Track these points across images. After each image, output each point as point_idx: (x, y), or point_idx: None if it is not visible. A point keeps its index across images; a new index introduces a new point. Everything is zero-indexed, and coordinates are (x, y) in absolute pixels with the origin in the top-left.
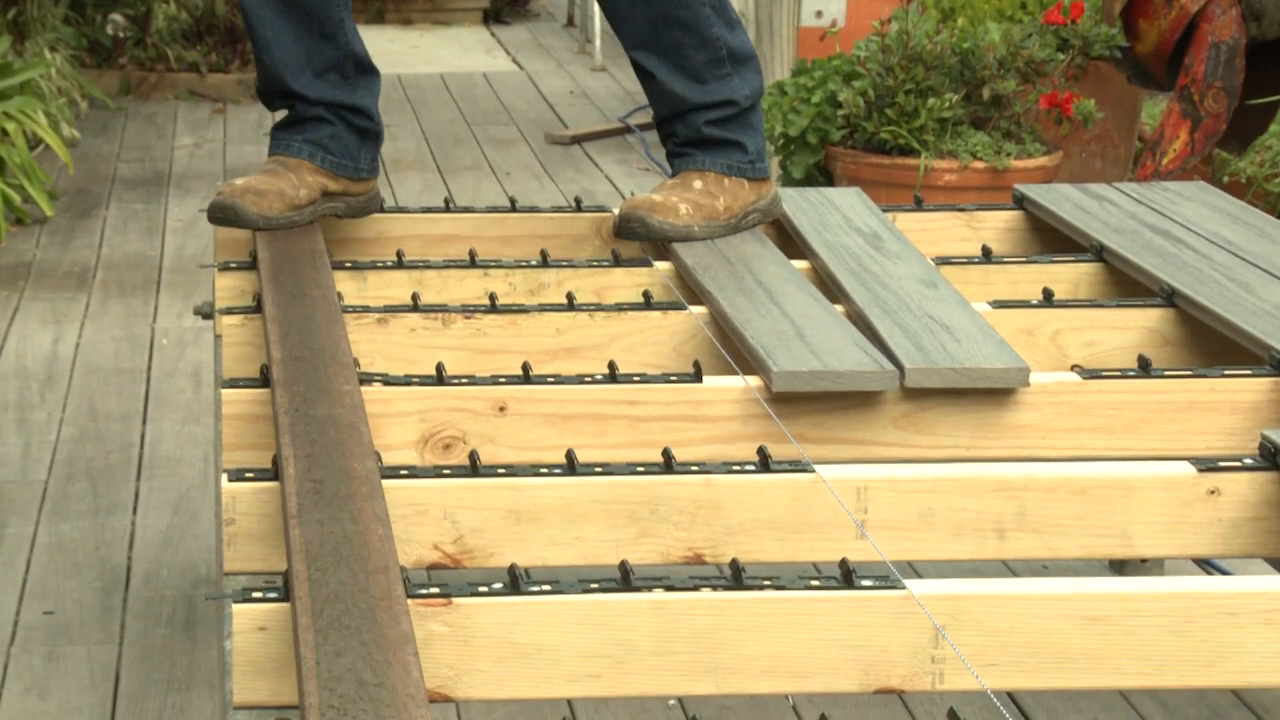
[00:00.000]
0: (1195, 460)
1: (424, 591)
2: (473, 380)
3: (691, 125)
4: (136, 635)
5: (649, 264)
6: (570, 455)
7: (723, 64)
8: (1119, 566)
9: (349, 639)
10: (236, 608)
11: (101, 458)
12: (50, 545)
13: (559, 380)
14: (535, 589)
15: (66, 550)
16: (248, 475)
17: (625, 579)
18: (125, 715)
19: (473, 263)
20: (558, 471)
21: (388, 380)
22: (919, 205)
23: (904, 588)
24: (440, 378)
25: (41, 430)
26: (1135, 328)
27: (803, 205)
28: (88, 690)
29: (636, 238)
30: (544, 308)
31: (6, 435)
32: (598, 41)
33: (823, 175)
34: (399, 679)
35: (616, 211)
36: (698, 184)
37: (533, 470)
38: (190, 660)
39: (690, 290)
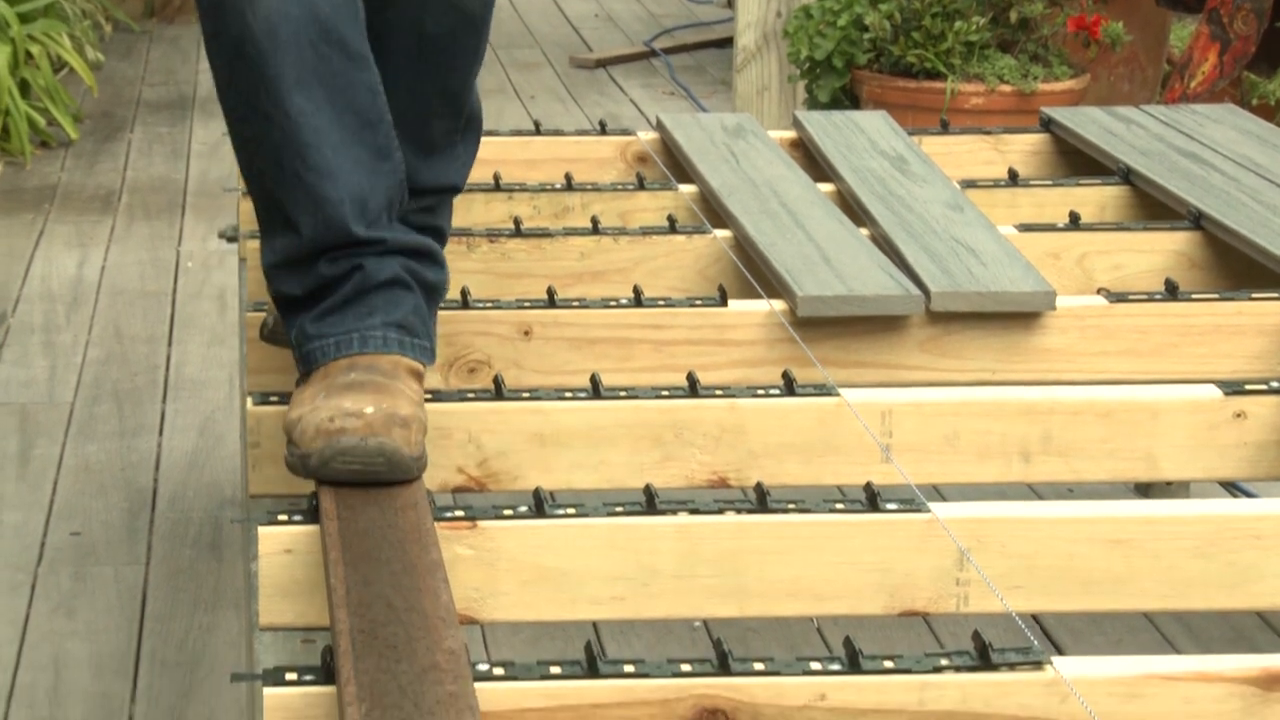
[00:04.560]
0: (1221, 383)
1: (449, 515)
2: (497, 304)
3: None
4: (163, 556)
5: (674, 187)
6: (595, 379)
7: (457, 131)
8: (1144, 490)
9: (378, 569)
10: (262, 530)
11: (127, 380)
12: (77, 467)
13: (584, 304)
14: (560, 512)
15: (93, 472)
16: (273, 399)
17: (650, 502)
18: (152, 635)
19: (497, 186)
20: (582, 395)
21: None
22: (945, 128)
23: (929, 511)
24: (465, 302)
25: (67, 353)
26: (1162, 251)
27: (828, 129)
28: (115, 610)
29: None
30: (568, 231)
31: (33, 358)
32: None
33: (848, 99)
34: (429, 603)
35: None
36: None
37: (557, 394)
38: (216, 581)
39: (715, 213)
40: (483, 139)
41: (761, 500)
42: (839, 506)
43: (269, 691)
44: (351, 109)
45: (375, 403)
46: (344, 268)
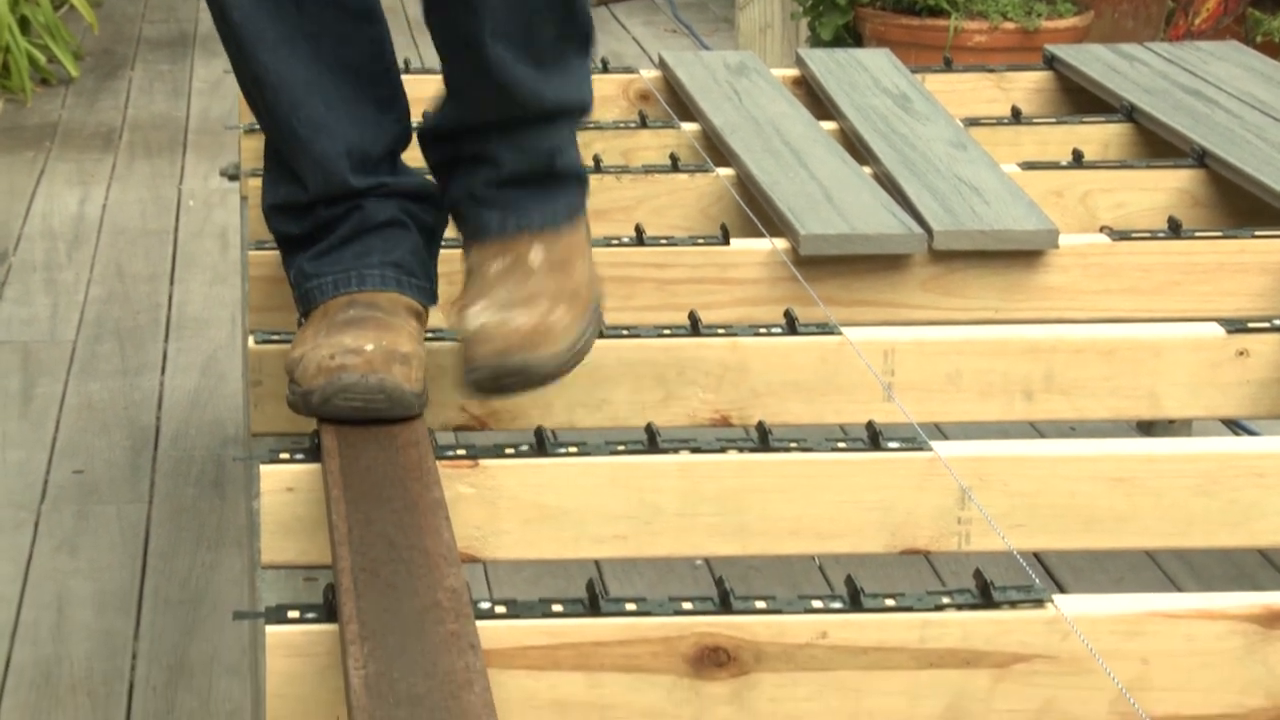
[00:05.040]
0: (1224, 321)
1: (451, 453)
2: None
3: (532, 150)
4: (166, 494)
5: (676, 126)
6: None
7: (576, 40)
8: (1146, 428)
9: (380, 507)
10: (264, 469)
11: (129, 318)
12: (79, 405)
13: None
14: (562, 451)
15: (95, 410)
16: (275, 337)
17: (652, 441)
18: (155, 573)
19: None
20: None
21: None
22: (948, 66)
23: (930, 449)
24: None
25: (69, 291)
26: (1165, 189)
27: (831, 67)
28: (118, 548)
29: (511, 391)
30: None
31: (35, 295)
32: None
33: (851, 37)
34: (431, 541)
35: (468, 351)
36: (539, 259)
37: None
38: (219, 519)
39: (717, 152)
40: None
41: (763, 439)
42: (841, 445)
43: (271, 629)
44: (345, 64)
45: (375, 339)
46: (342, 209)
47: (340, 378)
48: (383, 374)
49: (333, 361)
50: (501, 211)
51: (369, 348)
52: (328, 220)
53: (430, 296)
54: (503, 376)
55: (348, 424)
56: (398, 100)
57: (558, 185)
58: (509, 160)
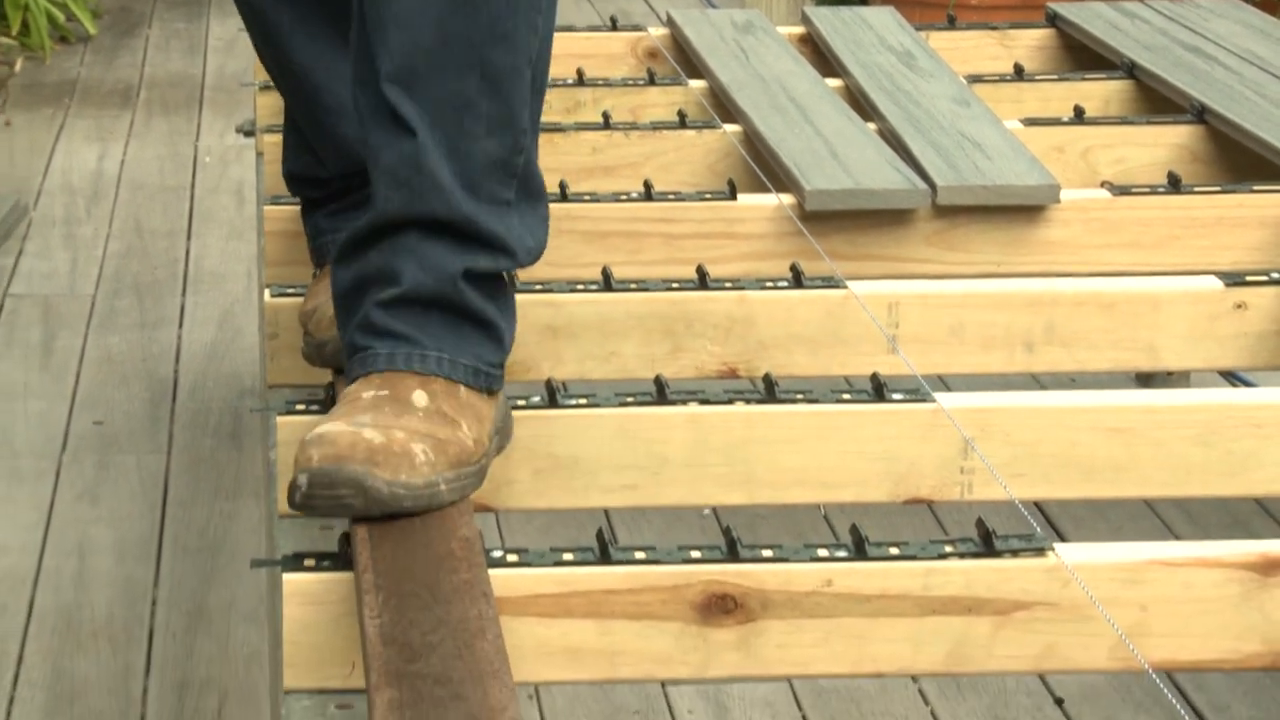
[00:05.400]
0: (1222, 274)
1: None
2: None
3: (437, 268)
4: (184, 445)
5: (684, 83)
6: (606, 272)
7: (511, 177)
8: (1145, 379)
9: None
10: (280, 419)
11: (148, 273)
12: (99, 358)
13: (595, 198)
14: (572, 402)
15: (115, 362)
16: (290, 291)
17: (660, 392)
18: (174, 522)
19: None
20: (594, 288)
21: None
22: (952, 24)
23: (934, 400)
24: None
25: (89, 246)
26: (1165, 144)
27: (836, 24)
28: (138, 497)
29: (343, 513)
30: (580, 126)
31: (54, 250)
32: None
33: None
34: None
35: (296, 467)
36: (422, 400)
37: (569, 286)
38: (237, 470)
39: (724, 109)
40: None
41: (770, 390)
42: (846, 396)
43: (288, 576)
44: None
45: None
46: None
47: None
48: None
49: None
50: (392, 345)
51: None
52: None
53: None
54: (330, 482)
55: None
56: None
57: (467, 331)
58: (411, 275)
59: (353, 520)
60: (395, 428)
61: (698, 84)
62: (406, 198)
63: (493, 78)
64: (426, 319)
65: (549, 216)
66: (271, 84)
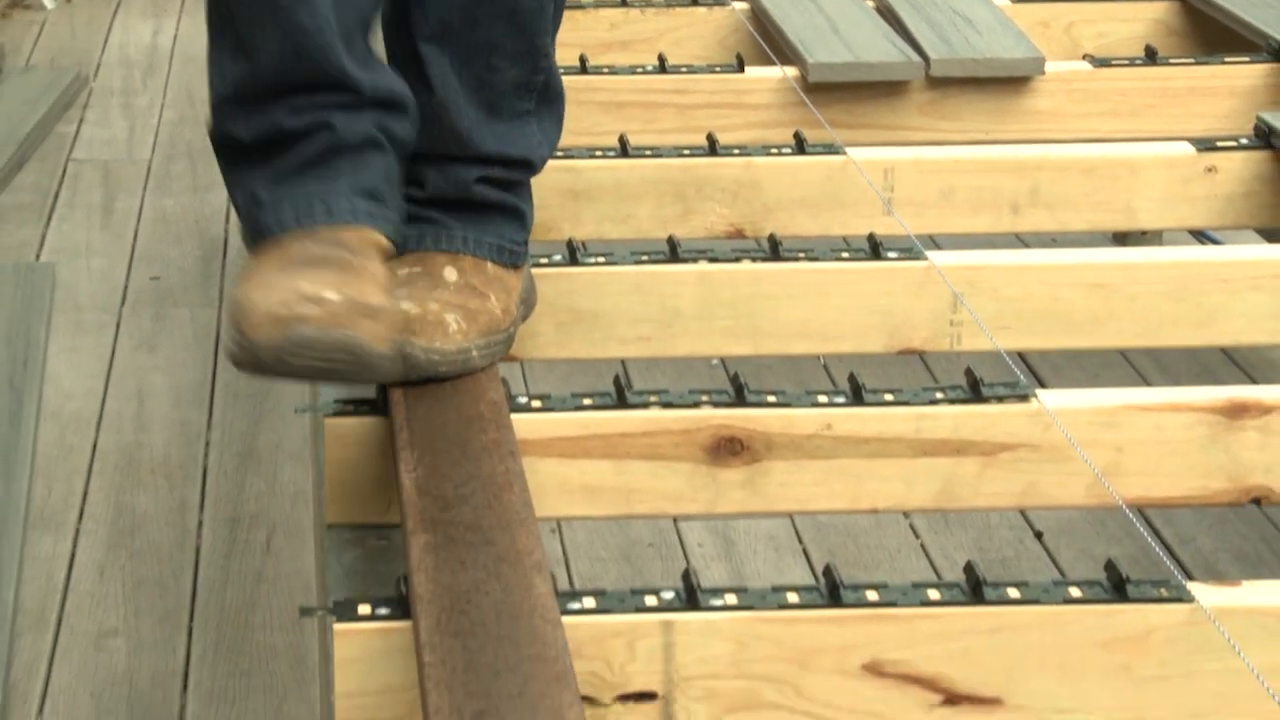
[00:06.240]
0: (1195, 140)
1: None
2: None
3: (455, 178)
4: None
5: None
6: (623, 139)
7: (531, 92)
8: (1122, 238)
9: None
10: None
11: (199, 140)
12: (155, 218)
13: (613, 71)
14: (591, 260)
15: (170, 223)
16: None
17: (673, 251)
18: (225, 369)
19: None
20: (611, 154)
21: None
22: None
23: (926, 258)
24: None
25: (145, 114)
26: (1143, 19)
27: None
28: (191, 346)
29: (388, 378)
30: (599, 4)
31: (113, 119)
32: None
33: None
34: None
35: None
36: (452, 275)
37: (588, 153)
38: None
39: None
40: None
41: (774, 249)
42: (844, 255)
43: (329, 421)
44: None
45: (339, 286)
46: (307, 122)
47: (296, 331)
48: (347, 328)
49: (287, 310)
50: (421, 228)
51: (331, 296)
52: (289, 134)
53: (399, 231)
54: (372, 354)
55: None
56: None
57: (490, 216)
58: (433, 181)
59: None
60: (430, 300)
61: None
62: (428, 142)
63: (520, 22)
64: (452, 210)
65: (564, 113)
66: None
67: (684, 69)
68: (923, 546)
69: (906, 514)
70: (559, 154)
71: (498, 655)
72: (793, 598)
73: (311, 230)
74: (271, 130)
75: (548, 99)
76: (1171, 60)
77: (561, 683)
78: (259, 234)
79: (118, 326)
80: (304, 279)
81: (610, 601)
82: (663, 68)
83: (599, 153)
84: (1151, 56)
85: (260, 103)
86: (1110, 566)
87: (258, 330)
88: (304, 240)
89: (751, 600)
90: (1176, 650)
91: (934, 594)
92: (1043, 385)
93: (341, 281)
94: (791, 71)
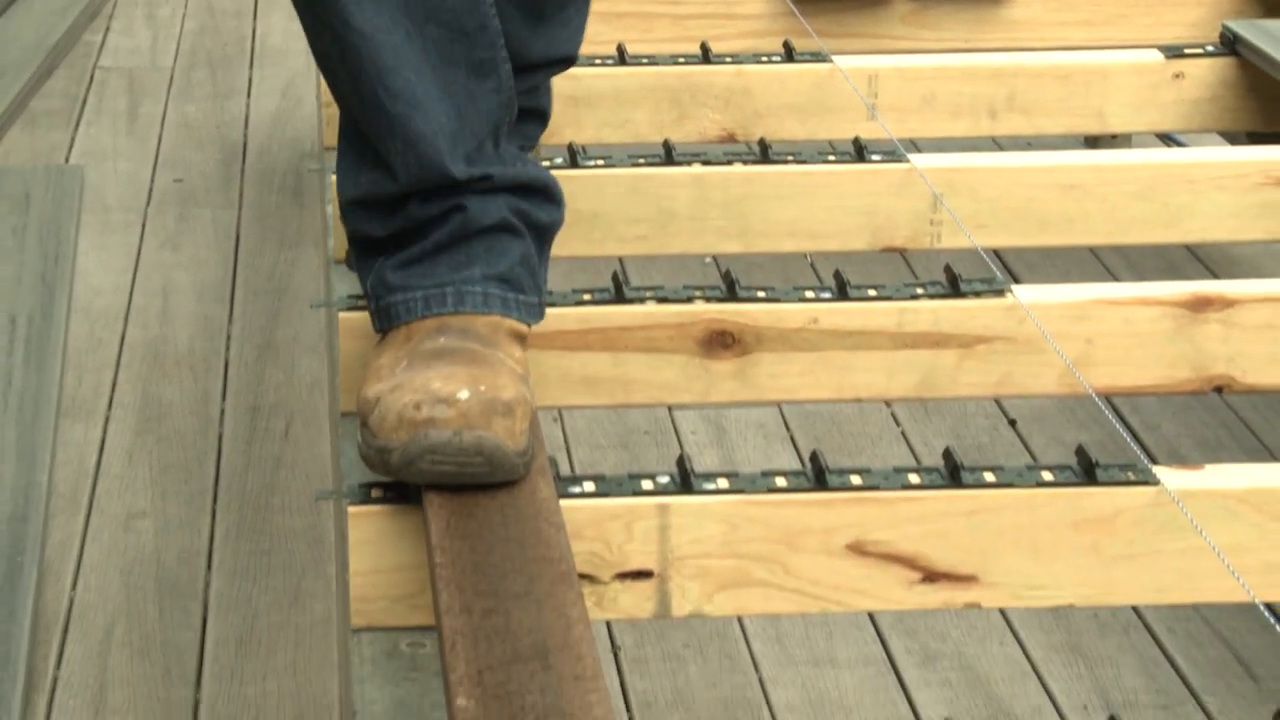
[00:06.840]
0: (1164, 48)
1: None
2: None
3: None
4: (253, 200)
5: None
6: (621, 48)
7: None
8: (1093, 142)
9: None
10: (333, 178)
11: (219, 49)
12: (178, 123)
13: None
14: (590, 163)
15: (192, 127)
16: None
17: (668, 155)
18: (245, 267)
19: None
20: (610, 62)
21: None
22: None
23: (908, 161)
24: None
25: (167, 24)
26: None
27: None
28: (213, 246)
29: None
30: None
31: (137, 28)
32: None
33: None
34: None
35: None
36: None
37: (588, 61)
38: (299, 223)
39: None
40: None
41: (764, 153)
42: (831, 158)
43: (344, 315)
44: (436, 19)
45: (471, 384)
46: (440, 208)
47: (427, 435)
48: (480, 431)
49: (418, 413)
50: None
51: (463, 396)
52: (422, 221)
53: (538, 314)
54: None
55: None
56: (498, 63)
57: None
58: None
59: None
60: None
61: None
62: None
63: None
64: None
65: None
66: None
67: None
68: (903, 434)
69: (888, 403)
70: None
71: (504, 556)
72: (781, 482)
73: (440, 318)
74: (405, 222)
75: (529, 117)
76: None
77: (565, 583)
78: (387, 319)
79: (143, 226)
80: (436, 376)
81: (609, 486)
82: None
83: (598, 61)
84: None
85: (395, 205)
86: (1080, 451)
87: (390, 433)
88: (433, 331)
89: (742, 484)
90: (1143, 530)
91: (914, 478)
92: (1017, 281)
93: (473, 378)
94: None
